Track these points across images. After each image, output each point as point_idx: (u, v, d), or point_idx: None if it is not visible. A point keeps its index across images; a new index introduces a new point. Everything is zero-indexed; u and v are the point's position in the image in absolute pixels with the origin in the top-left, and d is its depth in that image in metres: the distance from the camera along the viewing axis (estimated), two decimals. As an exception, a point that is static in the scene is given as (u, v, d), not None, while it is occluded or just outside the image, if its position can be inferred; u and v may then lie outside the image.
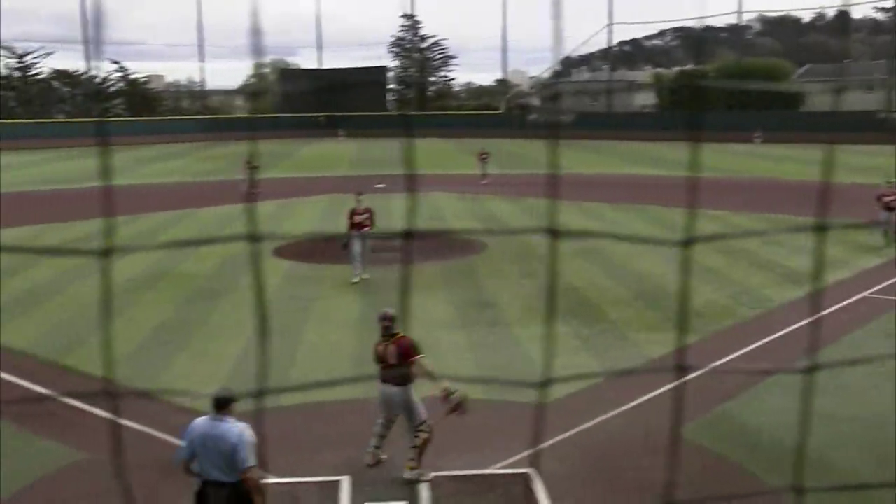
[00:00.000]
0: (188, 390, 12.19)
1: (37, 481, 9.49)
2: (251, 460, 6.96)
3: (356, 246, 19.27)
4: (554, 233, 1.48)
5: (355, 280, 19.18)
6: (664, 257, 21.63)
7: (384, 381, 9.21)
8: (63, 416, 11.41)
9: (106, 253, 1.36)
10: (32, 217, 30.29)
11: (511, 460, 9.80)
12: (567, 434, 10.53)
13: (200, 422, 7.24)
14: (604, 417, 11.13)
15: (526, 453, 9.97)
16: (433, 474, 9.36)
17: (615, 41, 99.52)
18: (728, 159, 51.57)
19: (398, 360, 9.14)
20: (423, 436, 9.14)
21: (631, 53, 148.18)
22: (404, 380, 9.12)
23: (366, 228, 19.41)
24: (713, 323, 15.68)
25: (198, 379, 12.74)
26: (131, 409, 11.52)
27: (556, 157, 1.40)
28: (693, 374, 12.54)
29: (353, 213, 19.60)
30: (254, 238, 1.35)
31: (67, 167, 52.90)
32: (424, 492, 9.09)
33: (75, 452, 10.24)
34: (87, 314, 16.78)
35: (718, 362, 13.26)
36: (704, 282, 18.91)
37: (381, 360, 9.34)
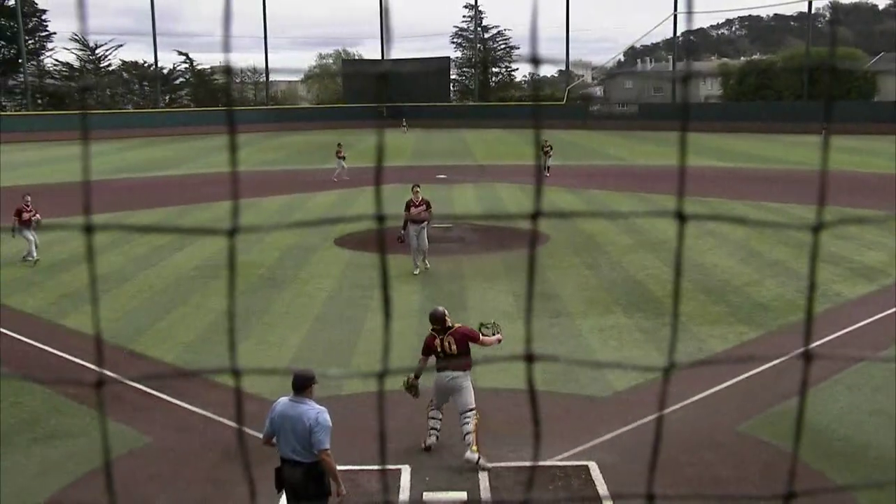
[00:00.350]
0: (250, 377, 12.36)
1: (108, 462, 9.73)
2: (326, 443, 7.11)
3: (413, 238, 19.16)
4: (681, 217, 1.47)
5: (416, 272, 19.14)
6: (728, 251, 21.31)
7: (442, 369, 9.53)
8: (130, 400, 11.67)
9: (231, 233, 1.45)
10: (102, 205, 30.97)
11: (571, 452, 9.76)
12: (628, 427, 10.46)
13: (282, 401, 7.40)
14: (665, 411, 11.01)
15: (586, 445, 9.92)
16: (492, 465, 9.37)
17: (680, 31, 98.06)
18: (796, 151, 50.56)
19: (460, 348, 9.59)
20: (475, 420, 9.47)
21: (696, 43, 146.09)
22: (465, 366, 9.48)
23: (423, 221, 19.26)
24: (779, 317, 15.41)
25: (260, 366, 12.91)
26: (194, 395, 11.75)
27: (684, 151, 1.38)
28: (762, 367, 12.36)
29: (409, 204, 19.39)
30: (380, 218, 1.43)
31: (137, 156, 53.97)
32: (484, 482, 9.11)
33: (142, 436, 10.47)
34: (155, 300, 17.14)
35: (785, 357, 13.01)
36: (770, 275, 18.60)
37: (439, 351, 9.68)
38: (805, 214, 27.25)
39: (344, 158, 39.19)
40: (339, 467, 9.35)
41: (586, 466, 9.39)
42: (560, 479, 9.11)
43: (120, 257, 21.49)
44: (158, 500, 8.74)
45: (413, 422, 10.54)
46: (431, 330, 9.83)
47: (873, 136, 58.61)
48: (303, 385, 7.29)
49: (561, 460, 9.56)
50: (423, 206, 19.32)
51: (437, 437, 9.90)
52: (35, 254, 20.88)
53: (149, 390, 11.85)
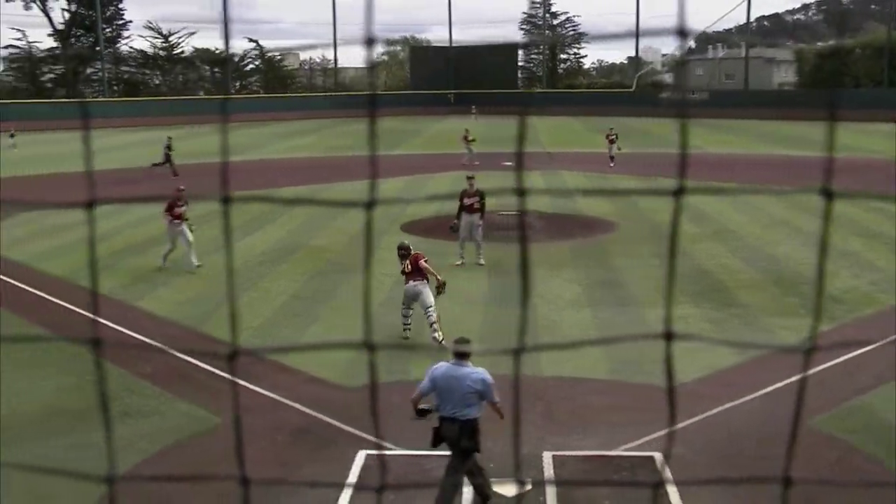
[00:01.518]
0: (318, 361, 12.52)
1: (177, 442, 9.95)
2: (496, 397, 8.17)
3: (464, 229, 18.87)
4: (828, 193, 1.45)
5: (458, 262, 18.85)
6: (800, 241, 20.87)
7: (407, 281, 13.81)
8: (200, 381, 11.90)
9: (369, 205, 1.52)
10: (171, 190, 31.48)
11: (637, 442, 9.68)
12: (695, 419, 10.33)
13: (443, 365, 8.25)
14: (734, 403, 10.86)
15: (653, 436, 9.83)
16: (557, 453, 9.34)
17: (754, 16, 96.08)
18: (872, 140, 49.18)
19: (413, 268, 13.68)
20: (435, 314, 13.55)
21: (770, 29, 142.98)
22: (421, 277, 13.69)
23: (475, 213, 18.82)
24: (854, 310, 15.04)
25: (326, 350, 13.06)
26: (263, 377, 11.93)
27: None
28: (829, 363, 12.09)
29: (463, 195, 18.94)
30: (521, 192, 1.48)
31: (207, 143, 54.84)
32: (548, 470, 9.09)
33: (212, 416, 10.68)
34: (224, 284, 17.42)
35: (858, 351, 12.71)
36: (842, 266, 18.15)
37: (404, 271, 13.88)
38: (879, 204, 26.52)
39: (473, 142, 38.94)
40: (406, 451, 9.45)
41: (652, 457, 9.31)
42: (625, 470, 9.05)
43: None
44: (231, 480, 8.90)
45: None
46: (398, 255, 14.01)
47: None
48: (465, 352, 8.25)
49: (626, 450, 9.49)
50: (477, 198, 18.85)
51: (409, 329, 13.93)
52: (195, 259, 18.86)
53: (218, 372, 12.07)
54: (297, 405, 10.99)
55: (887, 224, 23.16)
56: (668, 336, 1.52)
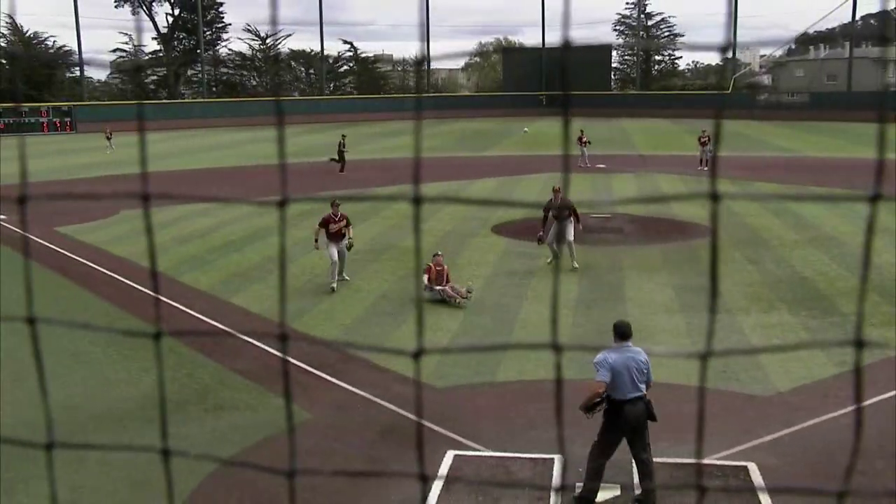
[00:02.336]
0: (407, 360, 12.60)
1: (270, 436, 10.15)
2: (652, 376, 8.56)
3: (550, 235, 18.57)
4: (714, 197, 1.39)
5: (549, 260, 18.91)
6: (906, 248, 20.10)
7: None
8: (293, 377, 12.11)
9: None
10: (271, 189, 32.15)
11: (730, 451, 9.48)
12: (790, 429, 10.06)
13: (614, 351, 8.39)
14: (832, 415, 10.53)
15: (746, 445, 9.61)
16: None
17: (860, 14, 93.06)
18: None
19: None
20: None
21: (877, 27, 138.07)
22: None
23: (564, 220, 18.33)
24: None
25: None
26: (353, 375, 12.08)
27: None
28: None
29: (548, 206, 18.55)
30: (714, 196, 1.44)
31: (304, 141, 55.83)
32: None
33: (303, 412, 10.86)
34: (316, 282, 17.70)
35: (966, 364, 12.18)
36: (952, 276, 17.42)
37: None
38: None
39: (586, 144, 38.56)
40: (493, 453, 9.46)
41: (745, 467, 9.10)
42: (718, 479, 8.87)
43: (286, 240, 22.28)
44: (318, 475, 9.04)
45: (570, 412, 10.48)
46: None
47: None
48: (629, 332, 8.51)
49: (719, 459, 9.30)
50: (566, 210, 18.24)
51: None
52: (335, 276, 17.20)
53: (310, 368, 12.26)
54: (387, 404, 11.09)
55: None
56: (860, 344, 1.47)
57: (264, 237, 22.72)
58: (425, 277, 16.04)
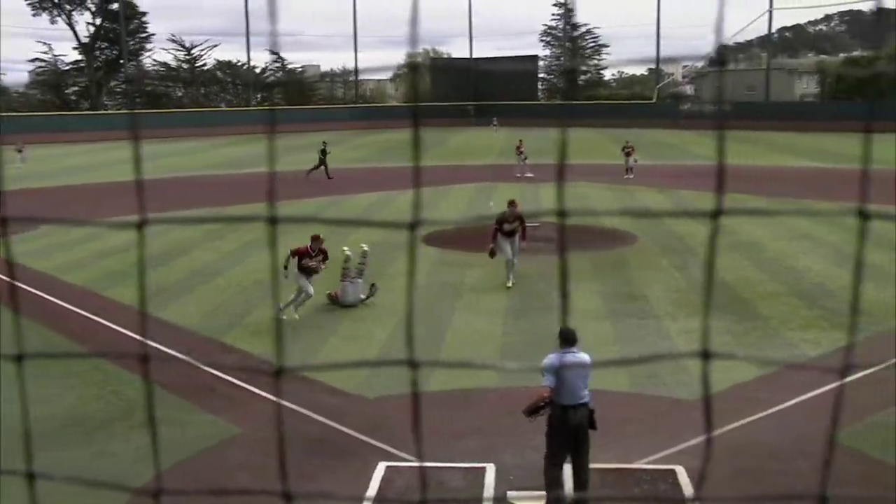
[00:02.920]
0: (337, 371, 12.54)
1: (199, 453, 9.99)
2: None
3: (506, 251, 17.97)
4: (865, 215, 1.43)
5: (508, 285, 17.93)
6: (822, 254, 20.74)
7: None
8: (222, 392, 11.95)
9: (412, 227, 1.53)
10: (194, 201, 31.72)
11: (657, 455, 9.63)
12: (715, 433, 10.25)
13: (557, 355, 8.47)
14: (753, 418, 10.78)
15: (673, 449, 9.78)
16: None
17: (776, 27, 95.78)
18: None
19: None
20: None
21: (792, 40, 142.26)
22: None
23: (514, 235, 17.97)
24: (878, 323, 14.91)
25: (346, 360, 13.08)
26: (283, 388, 11.95)
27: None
28: (854, 377, 11.99)
29: (502, 220, 17.92)
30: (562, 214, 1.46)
31: (226, 154, 55.20)
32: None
33: (233, 427, 10.71)
34: (245, 295, 17.50)
35: (883, 365, 12.60)
36: (868, 279, 17.99)
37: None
38: (905, 217, 26.26)
39: (522, 154, 39.38)
40: (424, 464, 9.45)
41: (673, 470, 9.26)
42: (646, 483, 9.00)
43: (211, 253, 22.03)
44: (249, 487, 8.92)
45: (498, 421, 10.55)
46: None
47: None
48: (574, 338, 8.55)
49: (647, 463, 9.44)
50: (517, 223, 17.96)
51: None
52: (295, 309, 16.00)
53: (239, 383, 12.12)
54: (315, 416, 11.01)
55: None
56: (706, 355, 1.52)
57: (188, 251, 22.37)
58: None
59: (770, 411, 10.93)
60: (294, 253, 16.03)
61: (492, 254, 17.83)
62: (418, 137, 1.48)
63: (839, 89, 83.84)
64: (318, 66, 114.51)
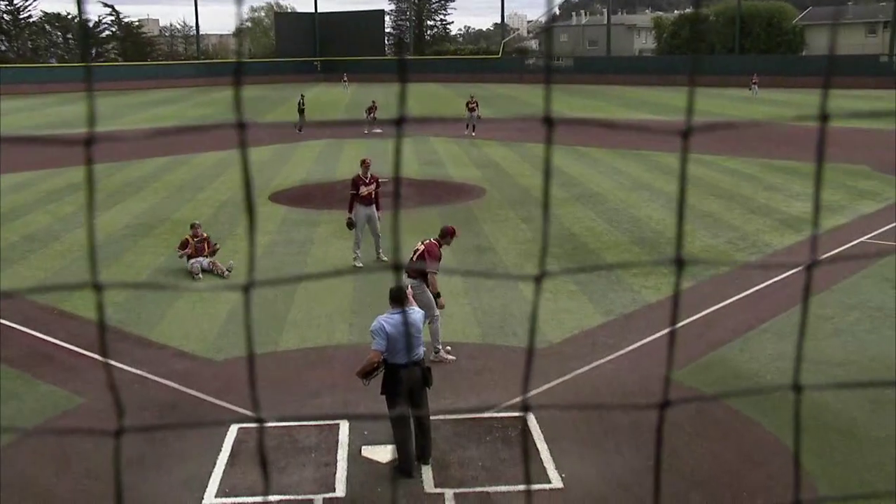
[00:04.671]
0: (184, 335, 12.24)
1: (38, 425, 9.57)
2: None
3: (363, 223, 16.07)
4: (684, 133, 1.42)
5: (357, 265, 15.90)
6: (661, 203, 21.61)
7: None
8: (61, 361, 11.46)
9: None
10: (29, 163, 30.08)
11: (508, 404, 9.87)
12: (563, 378, 10.60)
13: (387, 317, 8.35)
14: (600, 361, 11.19)
15: (522, 397, 10.04)
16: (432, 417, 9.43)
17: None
18: (725, 104, 51.27)
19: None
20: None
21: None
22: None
23: (372, 204, 16.12)
24: (711, 267, 15.70)
25: (195, 324, 12.78)
26: (127, 354, 11.58)
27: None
28: (687, 320, 12.63)
29: (357, 182, 16.11)
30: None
31: (60, 112, 52.48)
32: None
33: (75, 397, 10.30)
34: (85, 260, 16.78)
35: (716, 307, 13.31)
36: (701, 227, 18.92)
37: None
38: (734, 166, 27.71)
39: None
40: (277, 423, 9.38)
41: (523, 417, 9.51)
42: (497, 431, 9.22)
43: (47, 216, 20.98)
44: (94, 458, 8.61)
45: (352, 377, 10.56)
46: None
47: (802, 90, 59.68)
48: (404, 297, 8.45)
49: (498, 412, 9.67)
50: (374, 185, 16.11)
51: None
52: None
53: (80, 350, 11.65)
54: (164, 381, 10.72)
55: (743, 185, 24.23)
56: (538, 278, 1.52)
57: (22, 215, 21.23)
58: (184, 251, 15.62)
59: (615, 355, 11.36)
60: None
61: (350, 224, 16.08)
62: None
63: (674, 45, 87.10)
64: (157, 21, 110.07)
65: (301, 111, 39.52)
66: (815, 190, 1.49)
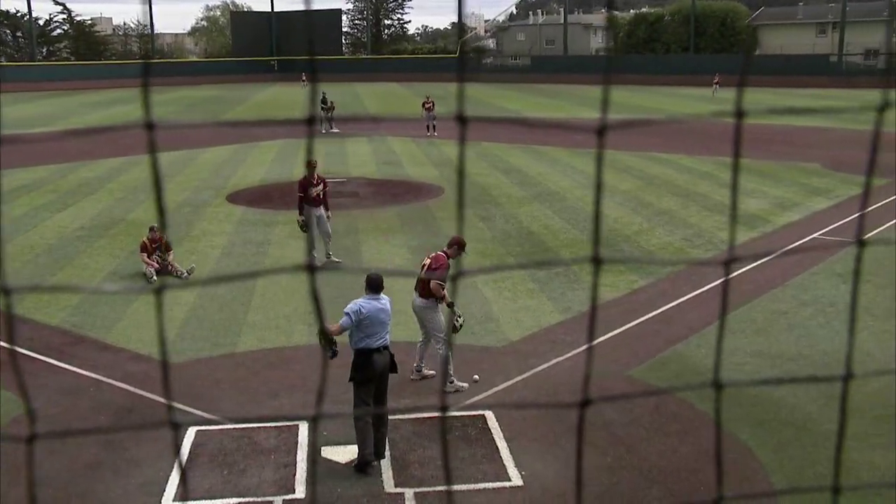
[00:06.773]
0: (141, 338, 12.10)
1: (-11, 431, 9.39)
2: None
3: (314, 225, 15.66)
4: (600, 131, 1.43)
5: (318, 264, 16.12)
6: (618, 201, 21.78)
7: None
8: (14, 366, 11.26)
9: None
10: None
11: (468, 402, 9.89)
12: (523, 376, 10.65)
13: (367, 302, 8.60)
14: (559, 359, 11.26)
15: (482, 395, 10.07)
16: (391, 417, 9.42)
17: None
18: (681, 104, 51.81)
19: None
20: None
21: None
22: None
23: (321, 204, 15.84)
24: (668, 265, 15.86)
25: (152, 326, 12.63)
26: (82, 357, 11.42)
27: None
28: (644, 317, 12.75)
29: (305, 184, 15.72)
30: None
31: (11, 112, 51.59)
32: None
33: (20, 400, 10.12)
34: (39, 262, 16.53)
35: (671, 304, 13.45)
36: (658, 224, 19.11)
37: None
38: (692, 165, 28.02)
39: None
40: (236, 426, 9.31)
41: (483, 416, 9.54)
42: (457, 430, 9.23)
43: (-1, 218, 20.61)
44: (48, 465, 8.48)
45: (312, 378, 10.51)
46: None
47: (755, 89, 60.48)
48: (381, 285, 8.77)
49: (458, 410, 9.68)
50: (323, 185, 15.94)
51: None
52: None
53: (33, 354, 11.46)
54: (121, 384, 10.59)
55: (700, 183, 24.51)
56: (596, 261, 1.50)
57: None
58: (143, 255, 15.40)
59: (574, 352, 11.43)
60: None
61: (303, 227, 15.94)
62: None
63: (630, 44, 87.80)
64: (111, 19, 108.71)
65: (329, 109, 37.70)
66: (733, 185, 1.51)
